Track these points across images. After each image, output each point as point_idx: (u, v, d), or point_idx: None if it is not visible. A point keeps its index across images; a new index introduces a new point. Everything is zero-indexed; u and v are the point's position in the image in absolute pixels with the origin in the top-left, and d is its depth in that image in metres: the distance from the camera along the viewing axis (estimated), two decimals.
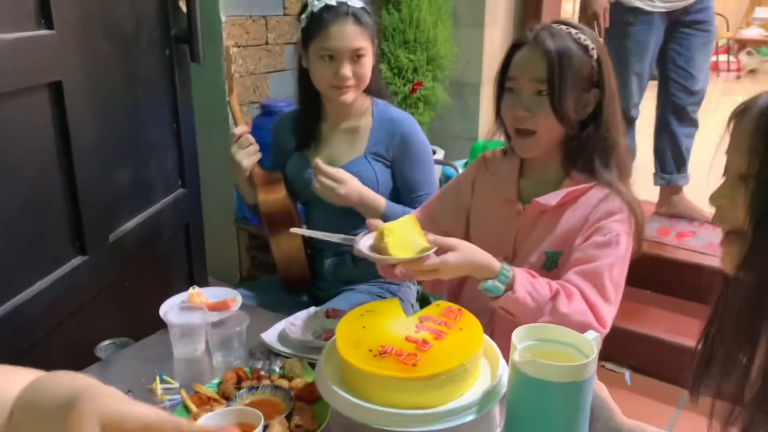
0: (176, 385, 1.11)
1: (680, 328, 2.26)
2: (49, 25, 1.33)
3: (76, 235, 1.60)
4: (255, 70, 2.68)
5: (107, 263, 1.72)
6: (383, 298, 1.60)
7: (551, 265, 1.25)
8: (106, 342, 1.40)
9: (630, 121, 2.55)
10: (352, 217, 1.49)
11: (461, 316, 1.02)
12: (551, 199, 1.25)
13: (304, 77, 1.55)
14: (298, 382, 1.06)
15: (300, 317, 1.26)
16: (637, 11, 2.37)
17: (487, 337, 1.01)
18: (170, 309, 1.33)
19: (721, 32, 7.77)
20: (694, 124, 2.57)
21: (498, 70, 1.29)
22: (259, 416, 0.92)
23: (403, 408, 0.89)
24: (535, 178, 1.31)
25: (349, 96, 1.49)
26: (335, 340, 0.99)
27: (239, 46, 2.58)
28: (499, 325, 1.25)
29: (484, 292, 1.10)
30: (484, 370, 1.00)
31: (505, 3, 2.61)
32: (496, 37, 2.59)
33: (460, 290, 1.35)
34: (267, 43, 2.71)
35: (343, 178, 1.43)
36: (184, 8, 2.01)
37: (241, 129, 1.46)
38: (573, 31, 1.23)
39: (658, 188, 2.76)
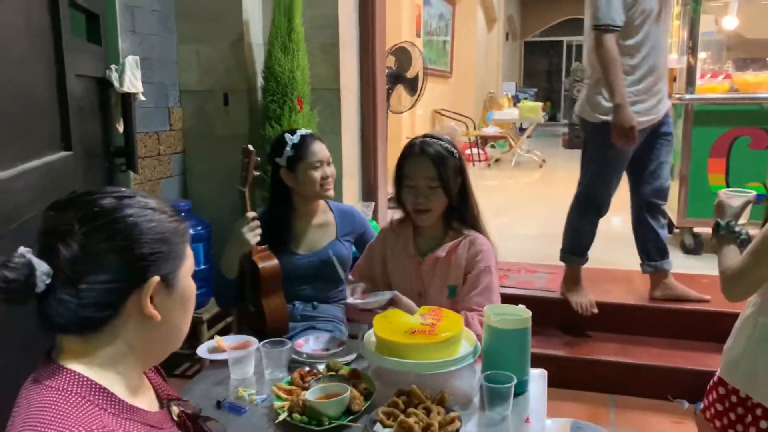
0: (254, 391, 1.56)
1: None
2: (68, 147, 1.70)
3: None
4: (151, 177, 3.07)
5: None
6: (337, 330, 2.15)
7: (452, 295, 1.87)
8: None
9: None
10: (313, 284, 2.14)
11: (441, 311, 1.65)
12: (440, 252, 1.86)
13: (281, 190, 2.12)
14: (344, 371, 1.58)
15: (309, 339, 1.81)
16: None
17: None
18: (206, 350, 1.77)
19: (469, 131, 9.55)
20: (665, 215, 3.02)
21: (395, 172, 1.89)
22: (345, 386, 1.45)
23: (431, 360, 1.49)
24: (425, 237, 1.92)
25: (332, 191, 2.14)
26: (372, 334, 1.57)
27: (139, 158, 2.97)
28: None
29: None
30: None
31: (352, 118, 3.40)
32: (348, 141, 3.34)
33: None
34: (159, 154, 3.14)
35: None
36: (120, 128, 2.44)
37: (252, 214, 1.91)
38: (441, 141, 1.85)
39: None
